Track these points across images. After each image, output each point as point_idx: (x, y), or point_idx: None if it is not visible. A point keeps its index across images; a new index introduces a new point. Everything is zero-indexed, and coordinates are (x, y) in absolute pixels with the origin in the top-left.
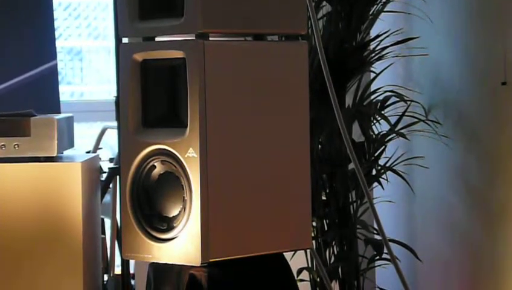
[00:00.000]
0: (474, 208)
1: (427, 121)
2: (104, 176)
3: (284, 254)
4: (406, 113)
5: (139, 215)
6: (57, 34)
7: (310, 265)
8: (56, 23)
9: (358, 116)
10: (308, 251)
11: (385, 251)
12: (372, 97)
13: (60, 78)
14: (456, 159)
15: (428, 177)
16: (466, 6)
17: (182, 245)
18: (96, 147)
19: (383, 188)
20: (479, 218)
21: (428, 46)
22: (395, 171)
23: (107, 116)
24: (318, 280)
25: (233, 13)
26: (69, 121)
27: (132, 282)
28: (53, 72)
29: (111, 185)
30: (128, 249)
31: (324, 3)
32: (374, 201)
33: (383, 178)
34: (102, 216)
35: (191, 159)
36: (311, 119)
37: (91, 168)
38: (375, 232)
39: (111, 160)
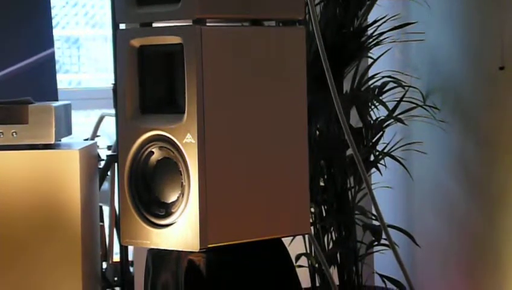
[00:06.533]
0: (472, 193)
1: (425, 107)
2: (102, 163)
3: (283, 239)
4: (404, 99)
5: (137, 202)
6: (54, 22)
7: (308, 251)
8: (53, 12)
9: (356, 101)
10: (306, 236)
11: (383, 236)
12: (370, 83)
13: (57, 67)
14: (454, 144)
15: (427, 162)
16: None
17: (181, 231)
18: (94, 135)
19: (381, 174)
20: (477, 203)
21: (425, 31)
22: (393, 157)
23: (104, 104)
24: (316, 265)
25: None
26: (67, 109)
27: (131, 269)
28: (50, 60)
29: (109, 172)
30: (127, 236)
31: None
32: (372, 187)
33: (381, 164)
34: (100, 204)
35: (188, 145)
36: (309, 105)
37: (89, 155)
38: (373, 217)
39: (109, 147)
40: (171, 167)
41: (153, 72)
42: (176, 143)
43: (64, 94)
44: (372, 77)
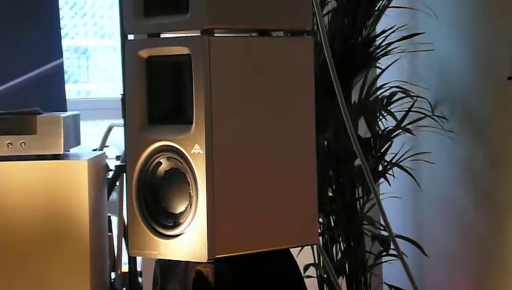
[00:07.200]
0: (481, 203)
1: (433, 117)
2: (111, 173)
3: (291, 250)
4: (412, 109)
5: (145, 212)
6: (63, 32)
7: (316, 261)
8: (62, 22)
9: (364, 112)
10: (315, 247)
11: (392, 246)
12: (378, 93)
13: (66, 76)
14: (463, 154)
15: (435, 172)
16: (471, 1)
17: (189, 241)
18: (103, 145)
19: (389, 184)
20: (486, 213)
21: (433, 42)
22: (401, 167)
23: (113, 114)
24: (325, 276)
25: (238, 9)
26: (76, 119)
27: (139, 279)
28: (59, 70)
29: (118, 183)
30: (135, 246)
31: None
32: (381, 197)
33: (389, 174)
34: (109, 214)
35: (196, 156)
36: (317, 115)
37: (97, 165)
38: (381, 228)
39: (117, 158)
40: (179, 178)
41: (161, 83)
42: (183, 154)
43: (73, 104)
44: (381, 87)
